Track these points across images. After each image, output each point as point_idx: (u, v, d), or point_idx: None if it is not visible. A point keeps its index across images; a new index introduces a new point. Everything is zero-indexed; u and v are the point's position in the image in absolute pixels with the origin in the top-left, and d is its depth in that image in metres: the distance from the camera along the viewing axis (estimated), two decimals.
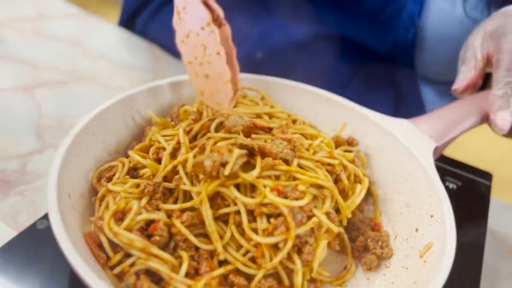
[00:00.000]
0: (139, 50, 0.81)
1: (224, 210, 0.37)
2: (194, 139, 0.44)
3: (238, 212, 0.36)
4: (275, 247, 0.35)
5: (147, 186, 0.37)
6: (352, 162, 0.45)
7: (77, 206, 0.37)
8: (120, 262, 0.34)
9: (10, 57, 0.72)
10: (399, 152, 0.46)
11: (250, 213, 0.36)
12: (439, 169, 0.57)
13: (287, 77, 0.55)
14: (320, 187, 0.38)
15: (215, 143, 0.40)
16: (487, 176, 0.57)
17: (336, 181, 0.42)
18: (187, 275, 0.34)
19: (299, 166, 0.39)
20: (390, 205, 0.45)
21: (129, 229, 0.34)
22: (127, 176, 0.40)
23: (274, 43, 0.70)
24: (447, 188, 0.55)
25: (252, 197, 0.37)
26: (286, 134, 0.41)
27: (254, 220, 0.36)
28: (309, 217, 0.36)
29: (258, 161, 0.37)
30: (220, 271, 0.34)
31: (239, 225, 0.36)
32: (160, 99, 0.50)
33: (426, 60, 0.70)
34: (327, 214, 0.38)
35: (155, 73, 0.77)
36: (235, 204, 0.37)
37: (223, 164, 0.36)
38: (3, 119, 0.59)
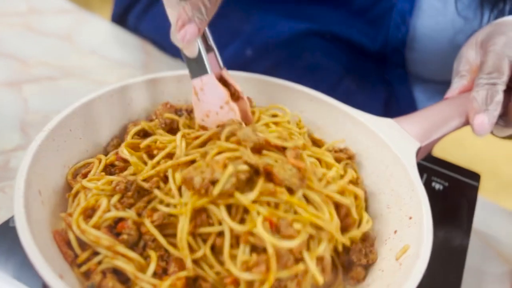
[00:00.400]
0: (130, 46, 0.81)
1: (206, 230, 0.34)
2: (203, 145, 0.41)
3: (220, 234, 0.34)
4: (250, 283, 0.33)
5: (119, 184, 0.36)
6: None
7: (48, 202, 0.36)
8: (88, 260, 0.33)
9: (0, 52, 0.71)
10: (382, 152, 0.45)
11: (234, 236, 0.34)
12: (426, 169, 0.57)
13: (277, 75, 0.54)
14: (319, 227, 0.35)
15: (219, 152, 0.37)
16: (475, 176, 0.56)
17: (347, 215, 0.40)
18: (155, 275, 0.33)
19: (305, 197, 0.36)
20: (372, 206, 0.44)
21: (97, 226, 0.34)
22: (102, 173, 0.40)
23: (264, 41, 0.69)
24: (433, 188, 0.54)
25: (243, 219, 0.34)
26: (298, 160, 0.38)
27: (237, 243, 0.34)
28: (298, 260, 0.33)
29: (259, 183, 0.35)
30: (185, 273, 0.33)
31: (219, 247, 0.34)
32: (141, 96, 0.50)
33: (418, 59, 0.69)
34: (320, 260, 0.34)
35: (146, 69, 0.76)
36: (220, 223, 0.34)
37: (214, 182, 0.33)
38: None
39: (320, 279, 0.33)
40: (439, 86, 0.73)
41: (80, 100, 0.44)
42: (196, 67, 0.43)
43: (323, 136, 0.51)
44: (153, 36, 0.81)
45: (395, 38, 0.65)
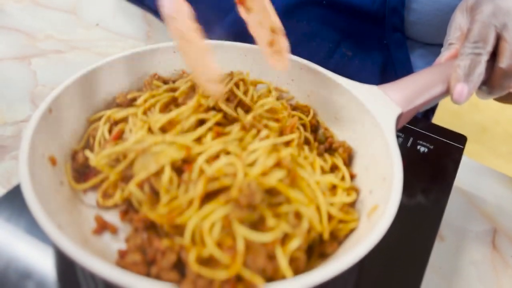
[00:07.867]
0: (134, 18, 0.83)
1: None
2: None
3: None
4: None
5: None
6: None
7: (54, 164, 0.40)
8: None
9: (8, 27, 0.75)
10: (364, 117, 0.47)
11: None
12: (412, 132, 0.59)
13: None
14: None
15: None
16: (461, 139, 0.57)
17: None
18: None
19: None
20: (352, 168, 0.47)
21: None
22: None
23: None
24: (418, 151, 0.56)
25: None
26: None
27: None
28: (270, 257, 0.32)
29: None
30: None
31: None
32: (139, 67, 0.52)
33: (416, 21, 0.69)
34: (295, 260, 0.34)
35: (150, 41, 0.79)
36: None
37: None
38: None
39: (290, 275, 0.32)
40: (438, 50, 0.73)
41: (81, 71, 0.46)
42: None
43: (311, 103, 0.54)
44: (156, 7, 0.83)
45: None
